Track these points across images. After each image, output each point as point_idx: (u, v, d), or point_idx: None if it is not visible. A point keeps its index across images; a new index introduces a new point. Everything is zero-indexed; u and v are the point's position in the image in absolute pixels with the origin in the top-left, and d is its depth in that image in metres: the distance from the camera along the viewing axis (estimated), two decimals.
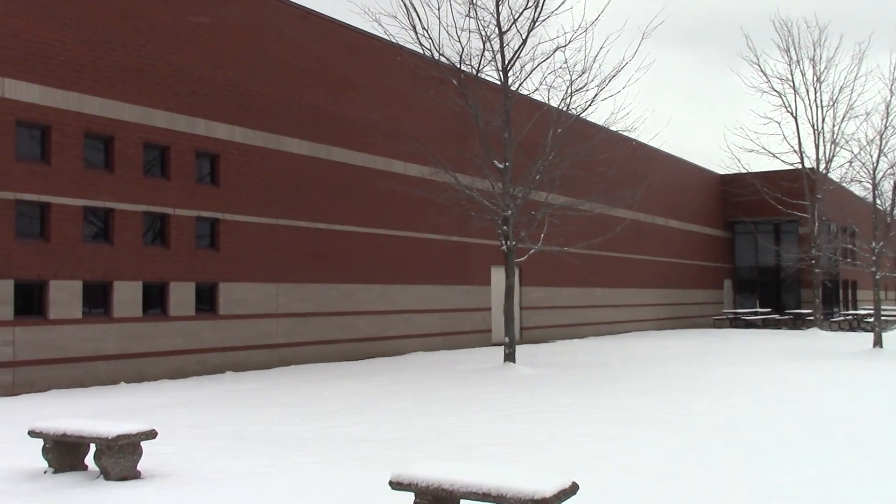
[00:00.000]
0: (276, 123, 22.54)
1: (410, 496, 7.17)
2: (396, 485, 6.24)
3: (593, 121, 27.41)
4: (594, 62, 22.26)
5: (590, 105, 22.36)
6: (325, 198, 24.00)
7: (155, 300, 19.47)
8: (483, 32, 21.05)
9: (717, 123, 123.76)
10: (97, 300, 18.27)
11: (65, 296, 17.46)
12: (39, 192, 17.11)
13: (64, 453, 8.85)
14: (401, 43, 22.18)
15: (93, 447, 8.95)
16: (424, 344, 27.64)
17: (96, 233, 18.39)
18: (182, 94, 20.06)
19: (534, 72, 22.20)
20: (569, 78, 22.14)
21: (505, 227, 21.37)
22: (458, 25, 26.75)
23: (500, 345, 28.79)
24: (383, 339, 26.00)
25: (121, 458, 8.40)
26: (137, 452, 8.56)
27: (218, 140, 20.89)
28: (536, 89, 22.36)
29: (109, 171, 18.53)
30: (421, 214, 27.11)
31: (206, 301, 20.68)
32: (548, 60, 21.97)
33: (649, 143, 37.48)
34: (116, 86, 18.61)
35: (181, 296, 19.85)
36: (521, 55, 21.44)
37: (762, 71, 49.55)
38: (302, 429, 11.82)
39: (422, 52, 21.67)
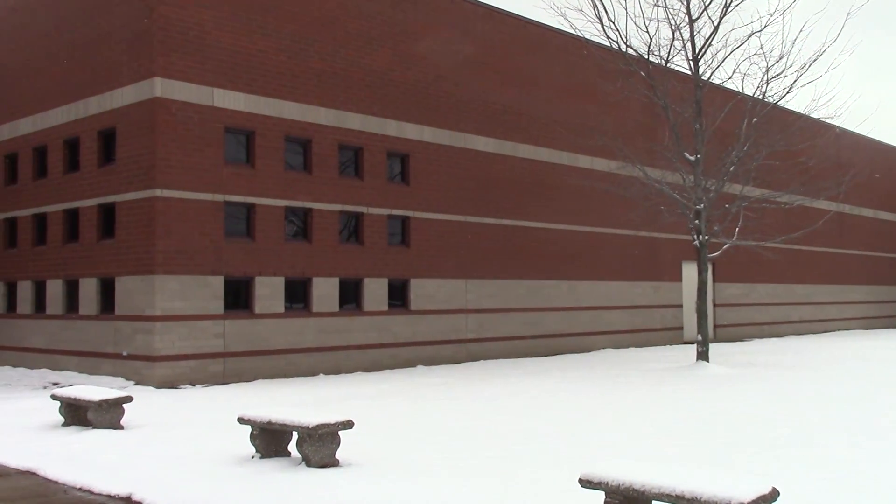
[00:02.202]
0: (463, 122, 22.90)
1: (599, 495, 7.08)
2: (586, 483, 6.18)
3: (792, 108, 26.00)
4: (792, 47, 21.06)
5: (788, 92, 21.27)
6: (512, 194, 24.14)
7: (350, 296, 20.29)
8: (672, 21, 20.47)
9: None
10: (297, 296, 19.27)
11: (268, 291, 18.53)
12: (245, 193, 18.24)
13: (269, 440, 9.38)
14: (587, 36, 21.95)
15: (295, 435, 9.44)
16: (613, 341, 27.23)
17: (296, 231, 19.39)
18: (374, 97, 20.77)
19: (726, 59, 21.35)
20: (765, 64, 21.18)
21: (697, 222, 20.67)
22: (645, 15, 26.14)
23: (691, 343, 27.94)
24: (571, 336, 25.84)
25: (321, 446, 8.81)
26: (336, 441, 8.94)
27: (408, 140, 21.48)
28: (729, 78, 21.49)
29: (307, 173, 19.47)
30: (608, 209, 26.73)
31: (398, 297, 21.33)
32: (742, 47, 21.22)
33: (855, 131, 35.10)
34: (313, 91, 19.52)
35: (375, 291, 20.57)
36: (712, 43, 20.68)
37: None
38: (490, 423, 11.94)
39: (608, 44, 21.32)
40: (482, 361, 22.49)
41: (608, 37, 21.04)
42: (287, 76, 19.06)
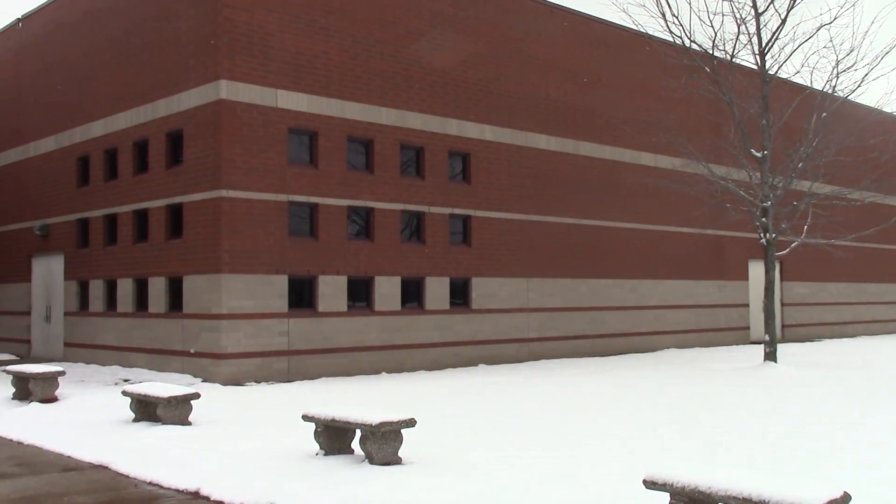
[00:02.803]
0: (523, 120, 22.83)
1: (664, 496, 7.00)
2: (650, 484, 6.11)
3: (863, 102, 25.32)
4: (864, 39, 20.56)
5: (859, 86, 20.76)
6: (573, 193, 23.99)
7: (412, 294, 20.39)
8: (737, 15, 20.11)
9: None
10: (360, 294, 19.43)
11: (331, 290, 18.73)
12: (308, 193, 18.46)
13: (333, 437, 9.49)
14: (650, 32, 21.70)
15: (358, 432, 9.52)
16: (677, 341, 26.87)
17: (358, 231, 19.56)
18: (435, 96, 20.84)
19: (794, 53, 20.93)
20: (834, 58, 20.68)
21: (764, 219, 20.27)
22: (710, 10, 25.71)
23: (758, 343, 27.42)
24: (634, 336, 25.57)
25: (383, 443, 8.87)
26: (398, 439, 8.99)
27: (469, 139, 21.50)
28: (797, 72, 21.03)
29: (369, 172, 19.62)
30: (672, 207, 26.38)
31: (460, 295, 21.36)
32: (810, 40, 20.62)
33: None
34: (375, 91, 19.67)
35: (436, 290, 20.64)
36: (779, 36, 20.27)
37: None
38: (553, 423, 11.89)
39: (672, 39, 21.05)
40: (544, 361, 22.40)
41: (671, 32, 20.78)
42: (349, 77, 19.24)
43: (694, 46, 20.70)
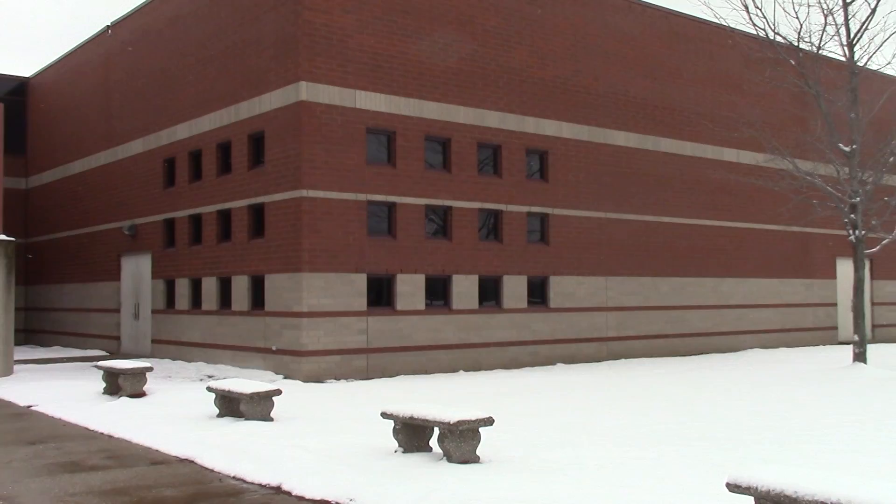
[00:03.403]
0: (602, 117, 22.59)
1: (748, 500, 6.82)
2: (734, 487, 5.97)
3: None
4: None
5: None
6: (653, 190, 23.64)
7: (490, 293, 20.37)
8: (824, 5, 19.50)
9: None
10: (437, 293, 19.51)
11: (409, 289, 18.84)
12: (387, 192, 18.61)
13: (411, 435, 9.54)
14: (732, 25, 21.22)
15: (436, 430, 9.55)
16: (761, 340, 26.23)
17: (436, 230, 19.63)
18: (512, 94, 20.77)
19: (885, 43, 20.18)
20: None
21: (852, 216, 19.62)
22: (795, 1, 25.02)
23: (847, 344, 26.57)
24: (716, 335, 25.06)
25: (461, 442, 8.88)
26: (477, 438, 8.99)
27: (546, 137, 21.37)
28: (888, 63, 20.27)
29: (447, 171, 19.68)
30: (755, 204, 25.76)
31: (538, 294, 21.26)
32: None
33: None
34: (452, 90, 19.71)
35: (514, 289, 20.58)
36: (869, 26, 19.58)
37: None
38: (634, 423, 11.73)
39: (755, 32, 20.54)
40: (623, 360, 22.13)
41: (755, 24, 20.28)
42: (427, 76, 19.32)
43: (778, 39, 20.16)
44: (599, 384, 16.69)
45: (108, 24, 25.80)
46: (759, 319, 26.35)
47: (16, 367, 20.29)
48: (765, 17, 20.24)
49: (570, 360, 21.41)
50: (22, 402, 14.67)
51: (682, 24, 24.89)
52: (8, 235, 20.51)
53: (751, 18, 20.17)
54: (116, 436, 11.26)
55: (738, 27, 21.57)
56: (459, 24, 19.92)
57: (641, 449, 9.74)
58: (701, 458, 9.21)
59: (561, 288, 21.50)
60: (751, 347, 25.81)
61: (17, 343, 25.30)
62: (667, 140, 24.05)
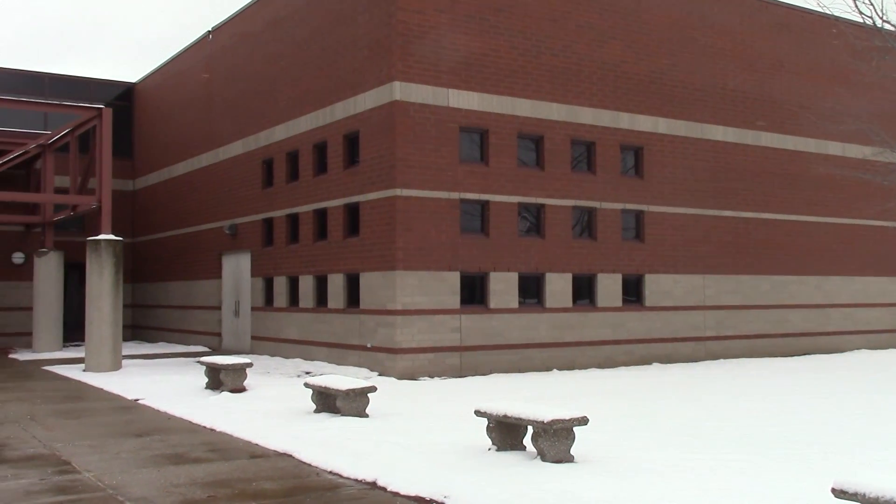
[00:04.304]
0: (699, 111, 22.09)
1: None
2: (840, 493, 5.75)
3: None
4: None
5: None
6: (753, 185, 23.00)
7: (584, 291, 20.17)
8: None
9: None
10: (531, 291, 19.42)
11: (502, 287, 18.82)
12: (479, 191, 18.62)
13: (505, 433, 9.52)
14: (836, 14, 20.45)
15: (530, 429, 9.51)
16: (868, 341, 25.22)
17: (529, 227, 19.54)
18: (606, 90, 20.51)
19: None
20: None
21: None
22: None
23: None
24: (819, 335, 24.22)
25: (555, 441, 8.81)
26: (571, 437, 8.91)
27: (641, 132, 21.03)
28: None
29: (540, 169, 19.57)
30: (862, 199, 24.78)
31: (632, 292, 20.94)
32: None
33: None
34: (545, 87, 19.58)
35: (608, 287, 20.32)
36: None
37: None
38: (733, 425, 11.44)
39: (861, 20, 19.73)
40: (722, 360, 21.60)
41: (861, 12, 19.47)
42: (519, 73, 19.25)
43: (887, 26, 19.33)
44: (698, 385, 16.33)
45: (209, 29, 26.58)
46: (866, 319, 25.35)
47: (124, 361, 21.12)
48: (872, 5, 19.42)
49: (667, 359, 21.02)
50: (130, 396, 15.26)
51: (784, 15, 24.13)
52: (116, 235, 21.35)
53: (856, 6, 19.37)
54: (218, 429, 11.59)
55: (842, 16, 20.77)
56: (552, 21, 19.77)
57: (743, 452, 9.48)
58: (804, 461, 8.91)
59: (657, 286, 21.13)
60: (857, 348, 24.86)
61: (125, 339, 26.30)
62: (768, 134, 23.35)
